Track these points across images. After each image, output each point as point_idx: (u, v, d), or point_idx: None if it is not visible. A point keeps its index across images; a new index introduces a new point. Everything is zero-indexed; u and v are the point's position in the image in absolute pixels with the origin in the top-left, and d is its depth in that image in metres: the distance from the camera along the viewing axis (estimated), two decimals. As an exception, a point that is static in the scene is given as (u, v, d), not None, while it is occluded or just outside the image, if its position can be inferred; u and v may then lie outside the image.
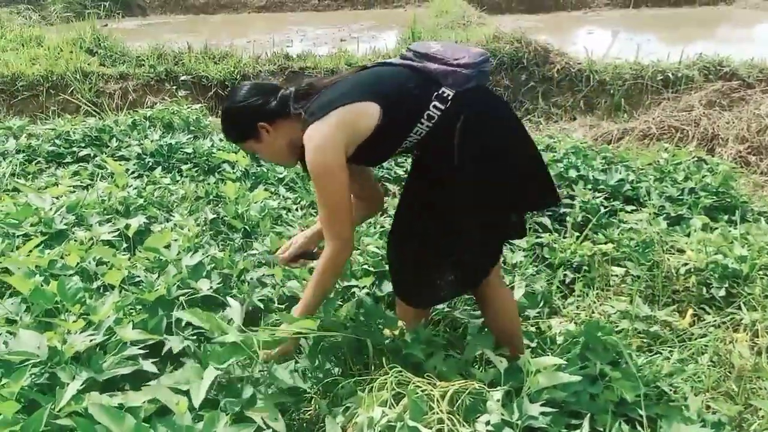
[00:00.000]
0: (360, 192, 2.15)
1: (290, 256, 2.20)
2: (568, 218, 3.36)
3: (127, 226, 2.82)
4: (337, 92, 1.85)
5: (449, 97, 1.82)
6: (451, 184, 1.87)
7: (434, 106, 1.81)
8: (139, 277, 2.36)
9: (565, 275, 2.94)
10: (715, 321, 2.56)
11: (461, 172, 1.84)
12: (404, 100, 1.84)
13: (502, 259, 2.20)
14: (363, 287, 2.49)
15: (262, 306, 2.32)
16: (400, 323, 2.12)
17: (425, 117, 1.82)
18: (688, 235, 3.11)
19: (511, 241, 2.30)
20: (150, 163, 4.19)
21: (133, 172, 4.04)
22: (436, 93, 1.83)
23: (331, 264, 1.89)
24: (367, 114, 1.80)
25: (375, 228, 3.08)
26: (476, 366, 2.07)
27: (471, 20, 9.37)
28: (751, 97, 5.23)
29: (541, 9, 16.37)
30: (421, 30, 7.67)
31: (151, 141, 4.41)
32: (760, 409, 1.94)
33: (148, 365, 1.83)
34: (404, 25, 7.43)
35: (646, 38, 10.39)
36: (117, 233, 2.83)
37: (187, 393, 1.65)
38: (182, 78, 6.69)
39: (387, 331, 2.08)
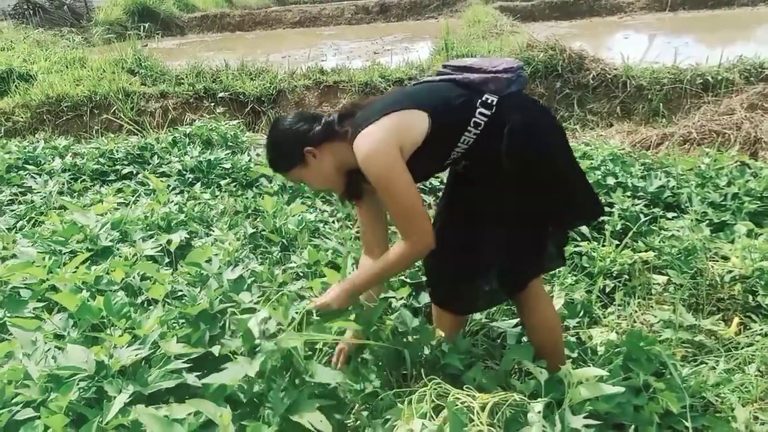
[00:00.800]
0: (372, 237, 2.13)
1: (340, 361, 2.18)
2: (606, 226, 3.31)
3: (169, 242, 2.89)
4: (383, 103, 1.86)
5: (494, 103, 1.82)
6: (496, 191, 1.88)
7: (480, 113, 1.81)
8: (181, 291, 2.41)
9: (605, 284, 2.90)
10: (762, 329, 2.48)
11: (507, 177, 1.84)
12: (451, 110, 1.83)
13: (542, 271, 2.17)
14: (400, 298, 2.49)
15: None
16: (438, 332, 2.12)
17: (472, 124, 1.81)
18: (732, 242, 3.04)
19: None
20: (190, 179, 4.29)
21: (173, 188, 4.14)
22: (480, 100, 1.83)
23: (404, 258, 1.84)
24: (417, 121, 1.79)
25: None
26: (516, 377, 2.05)
27: (504, 29, 9.35)
28: (796, 99, 5.08)
29: (575, 15, 16.24)
30: (454, 40, 7.68)
31: (191, 157, 4.51)
32: (812, 420, 1.88)
33: (192, 378, 1.87)
34: (437, 36, 7.46)
35: (684, 41, 10.21)
36: (159, 248, 2.90)
37: (229, 404, 1.68)
38: (220, 95, 6.83)
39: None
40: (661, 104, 5.96)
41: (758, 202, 3.43)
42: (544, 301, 2.13)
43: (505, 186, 1.86)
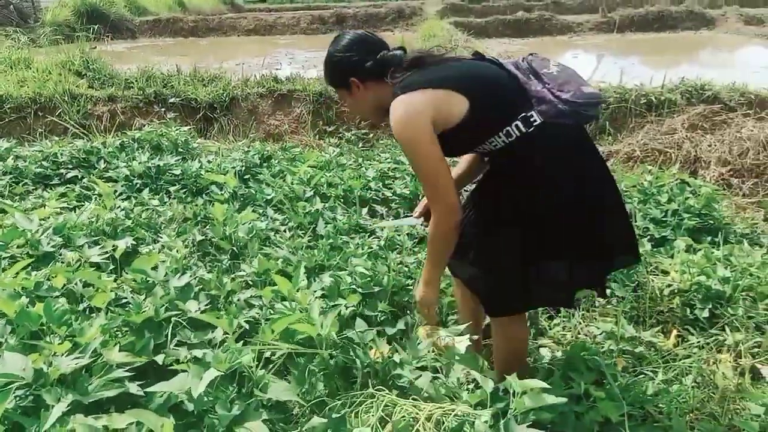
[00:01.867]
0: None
1: (420, 214, 2.23)
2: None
3: (115, 248, 2.82)
4: (434, 75, 1.86)
5: (534, 123, 1.81)
6: (493, 204, 1.95)
7: (516, 126, 1.81)
8: (126, 298, 2.35)
9: (551, 296, 2.96)
10: (698, 342, 2.58)
11: (506, 201, 1.90)
12: (493, 109, 1.84)
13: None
14: (351, 306, 2.49)
15: (248, 327, 2.31)
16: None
17: (504, 132, 1.82)
18: (672, 257, 3.15)
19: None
20: (138, 185, 4.20)
21: (120, 194, 4.04)
22: (524, 114, 1.81)
23: (438, 231, 1.88)
24: (455, 105, 1.80)
25: (363, 249, 3.10)
26: (466, 388, 2.07)
27: (458, 44, 9.50)
28: (733, 120, 5.31)
29: (527, 33, 16.64)
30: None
31: (139, 163, 4.42)
32: (743, 430, 1.95)
33: (135, 388, 1.83)
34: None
35: (630, 62, 10.57)
36: (104, 255, 2.83)
37: (171, 414, 1.65)
38: (171, 100, 6.71)
39: (376, 352, 2.09)
40: (607, 122, 6.15)
41: (697, 218, 3.57)
42: (519, 320, 2.16)
43: (501, 207, 1.92)
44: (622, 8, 19.34)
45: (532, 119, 1.81)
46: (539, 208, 1.87)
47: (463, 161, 2.23)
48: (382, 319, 2.51)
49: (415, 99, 1.79)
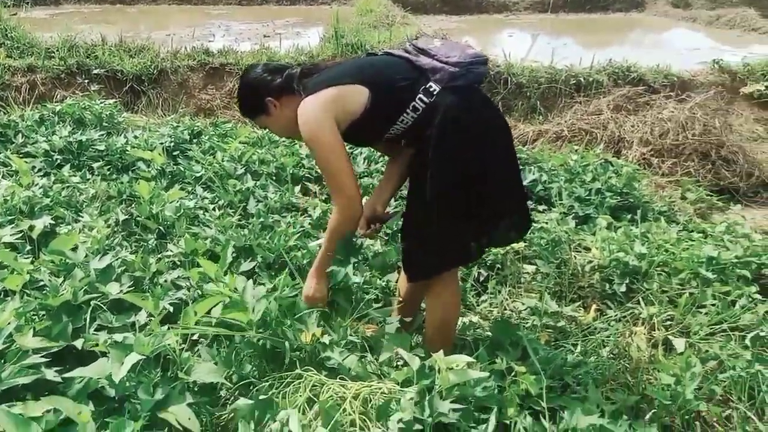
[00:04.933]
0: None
1: (363, 229, 2.24)
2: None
3: (31, 228, 2.70)
4: (333, 73, 2.04)
5: (435, 92, 1.95)
6: (423, 176, 1.98)
7: (420, 99, 1.95)
8: (43, 281, 2.26)
9: (479, 273, 3.03)
10: (616, 315, 2.70)
11: (437, 168, 1.94)
12: (393, 90, 1.97)
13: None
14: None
15: (172, 310, 2.25)
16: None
17: (411, 108, 1.96)
18: (594, 234, 3.27)
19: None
20: (58, 161, 4.01)
21: (39, 170, 3.86)
22: (423, 87, 1.96)
23: (337, 223, 2.03)
24: (357, 96, 1.95)
25: (294, 228, 3.07)
26: (394, 366, 2.10)
27: (395, 20, 9.45)
28: (655, 102, 5.53)
29: (464, 10, 16.68)
30: (345, 29, 7.67)
31: (60, 137, 4.22)
32: (655, 398, 2.07)
33: (52, 374, 1.77)
34: (329, 22, 7.42)
35: (563, 43, 10.79)
36: (20, 235, 2.70)
37: (89, 402, 1.61)
38: (95, 71, 6.42)
39: (306, 335, 2.08)
40: (538, 102, 6.29)
41: (618, 197, 3.72)
42: (450, 289, 2.20)
43: (429, 173, 1.96)
44: (557, -12, 19.67)
45: (431, 89, 1.96)
46: (468, 167, 1.96)
47: (387, 170, 2.32)
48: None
49: (317, 99, 1.94)
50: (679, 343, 2.46)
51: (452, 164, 1.95)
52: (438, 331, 2.22)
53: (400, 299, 2.37)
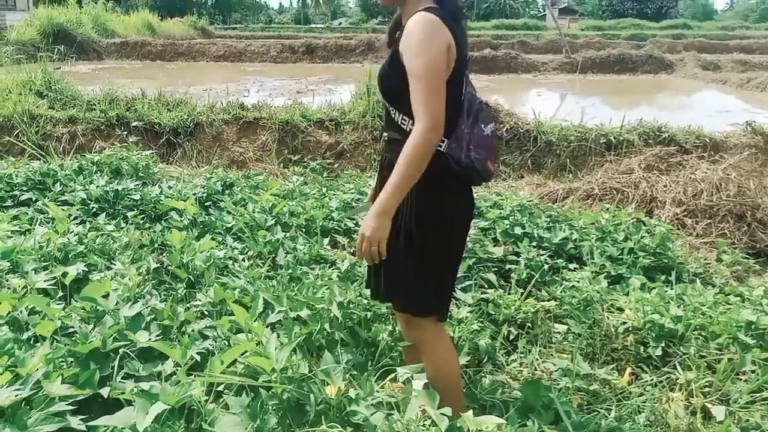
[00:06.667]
0: None
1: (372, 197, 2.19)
2: (513, 275, 3.42)
3: (65, 274, 2.74)
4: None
5: (438, 147, 1.87)
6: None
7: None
8: (73, 328, 2.27)
9: (509, 331, 2.97)
10: (651, 380, 2.61)
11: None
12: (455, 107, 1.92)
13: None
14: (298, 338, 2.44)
15: (199, 359, 2.24)
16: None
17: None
18: (627, 294, 3.20)
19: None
20: (94, 210, 4.10)
21: (75, 218, 3.94)
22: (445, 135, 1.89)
23: (415, 145, 1.78)
24: (452, 53, 1.84)
25: (322, 280, 3.06)
26: (421, 426, 2.04)
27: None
28: (688, 162, 5.48)
29: (494, 70, 17.03)
30: (375, 85, 7.83)
31: (97, 186, 4.32)
32: (694, 469, 1.97)
33: (77, 422, 1.76)
34: (360, 79, 7.59)
35: (591, 102, 10.87)
36: (53, 281, 2.74)
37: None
38: (134, 124, 6.63)
39: (331, 387, 2.05)
40: (567, 160, 6.29)
41: (651, 257, 3.64)
42: (443, 344, 2.15)
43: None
44: (585, 50, 19.99)
45: (442, 143, 1.89)
46: (460, 211, 2.00)
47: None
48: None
49: (442, 24, 1.81)
50: (719, 411, 2.36)
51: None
52: (441, 394, 2.07)
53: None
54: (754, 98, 12.25)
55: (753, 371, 2.59)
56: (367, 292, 2.80)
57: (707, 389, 2.55)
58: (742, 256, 4.10)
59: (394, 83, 1.92)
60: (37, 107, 6.78)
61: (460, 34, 1.89)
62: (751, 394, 2.46)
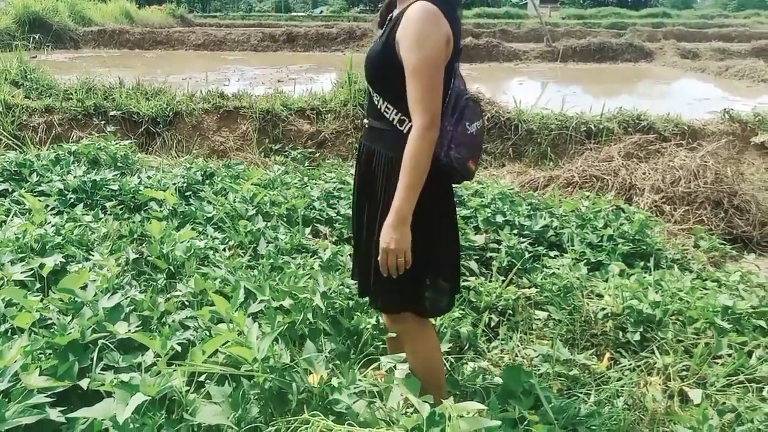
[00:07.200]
0: None
1: None
2: (494, 262, 3.44)
3: (42, 266, 2.70)
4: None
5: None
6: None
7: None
8: (51, 319, 2.25)
9: (490, 318, 2.99)
10: (630, 365, 2.65)
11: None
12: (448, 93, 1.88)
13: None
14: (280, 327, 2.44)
15: (180, 350, 2.22)
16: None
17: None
18: (606, 281, 3.23)
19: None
20: (72, 200, 4.05)
21: (53, 209, 3.88)
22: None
23: (417, 146, 1.74)
24: (450, 46, 1.82)
25: (304, 270, 3.05)
26: (403, 413, 2.05)
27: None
28: (666, 150, 5.53)
29: (475, 59, 17.00)
30: (357, 74, 7.80)
31: (74, 177, 4.26)
32: (671, 451, 2.01)
33: (56, 414, 1.74)
34: (341, 68, 7.55)
35: (572, 91, 10.92)
36: (30, 273, 2.70)
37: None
38: (111, 113, 6.54)
39: (314, 376, 2.05)
40: (548, 148, 6.32)
41: (630, 244, 3.68)
42: (426, 338, 2.14)
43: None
44: (566, 39, 20.06)
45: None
46: (438, 208, 1.93)
47: None
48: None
49: (443, 17, 1.77)
50: (696, 395, 2.40)
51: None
52: (424, 383, 2.04)
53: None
54: (732, 86, 12.38)
55: (729, 355, 2.64)
56: (349, 281, 2.82)
57: (684, 373, 2.59)
58: (719, 242, 4.16)
59: (382, 69, 1.88)
60: (12, 97, 6.65)
61: (456, 24, 1.86)
62: (728, 378, 2.50)
